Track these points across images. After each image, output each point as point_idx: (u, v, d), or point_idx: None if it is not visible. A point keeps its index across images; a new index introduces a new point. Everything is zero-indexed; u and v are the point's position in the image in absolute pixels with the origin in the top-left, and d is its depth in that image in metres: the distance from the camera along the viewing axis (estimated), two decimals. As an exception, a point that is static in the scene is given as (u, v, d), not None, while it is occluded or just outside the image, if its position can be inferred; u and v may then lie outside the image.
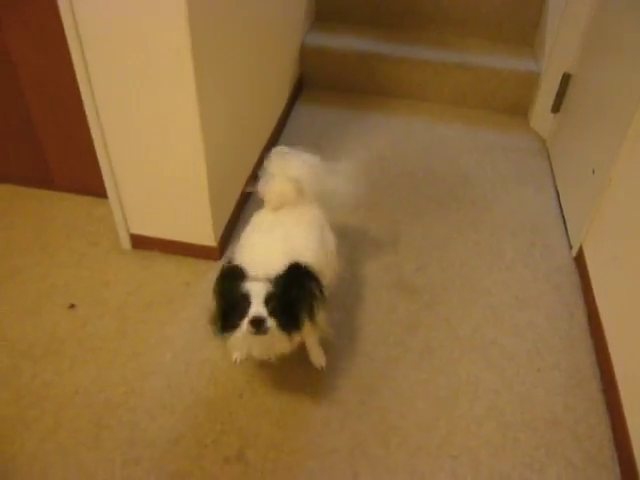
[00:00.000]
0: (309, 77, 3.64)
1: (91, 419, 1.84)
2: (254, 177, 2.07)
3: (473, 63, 3.37)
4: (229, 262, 1.66)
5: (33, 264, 2.37)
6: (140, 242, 2.42)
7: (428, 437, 1.83)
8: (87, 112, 2.03)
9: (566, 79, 2.97)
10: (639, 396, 1.77)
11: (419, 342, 2.12)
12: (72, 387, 1.93)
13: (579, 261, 2.42)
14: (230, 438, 1.80)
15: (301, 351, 1.90)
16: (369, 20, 3.72)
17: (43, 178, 2.68)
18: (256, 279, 1.56)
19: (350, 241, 2.51)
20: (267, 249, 1.75)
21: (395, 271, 2.40)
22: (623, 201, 2.09)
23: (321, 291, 1.65)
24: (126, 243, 2.43)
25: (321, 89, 3.66)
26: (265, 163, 1.97)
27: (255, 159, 2.81)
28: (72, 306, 2.20)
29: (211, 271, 2.33)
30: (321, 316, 1.73)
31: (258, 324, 1.50)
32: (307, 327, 1.69)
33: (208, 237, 2.33)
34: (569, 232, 2.60)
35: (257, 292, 1.54)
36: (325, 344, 2.01)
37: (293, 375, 1.96)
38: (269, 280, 1.56)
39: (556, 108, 3.10)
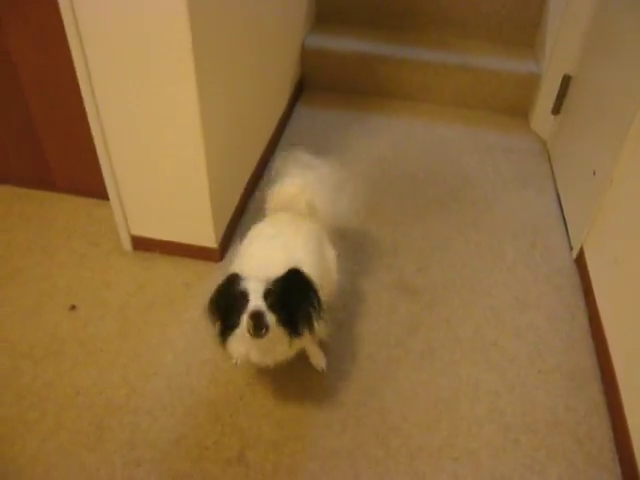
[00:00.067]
0: (310, 78, 3.64)
1: (92, 420, 1.84)
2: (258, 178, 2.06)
3: (473, 64, 3.38)
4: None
5: (34, 265, 2.37)
6: (141, 243, 2.42)
7: (429, 438, 1.83)
8: (88, 112, 2.04)
9: (566, 80, 2.97)
10: (640, 397, 1.78)
11: (420, 343, 2.12)
12: (73, 388, 1.93)
13: (580, 262, 2.42)
14: (231, 439, 1.80)
15: (301, 353, 1.90)
16: (369, 21, 3.72)
17: (44, 179, 2.69)
18: (254, 279, 1.56)
19: (351, 242, 2.52)
20: (266, 258, 1.75)
21: (396, 272, 2.40)
22: (624, 202, 2.09)
23: (319, 301, 1.63)
24: (127, 244, 2.43)
25: (322, 90, 3.66)
26: (274, 165, 1.99)
27: (256, 160, 2.81)
28: (73, 307, 2.20)
29: (212, 272, 2.34)
30: (320, 327, 1.73)
31: (257, 318, 1.48)
32: (306, 335, 1.68)
33: (209, 238, 2.33)
34: (570, 233, 2.60)
35: (255, 288, 1.53)
36: (325, 345, 2.02)
37: (294, 376, 1.96)
38: (267, 280, 1.56)
39: (556, 109, 3.10)
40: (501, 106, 3.49)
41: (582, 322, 2.22)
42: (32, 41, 2.21)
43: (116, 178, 2.22)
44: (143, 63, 1.86)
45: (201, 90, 1.91)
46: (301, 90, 3.64)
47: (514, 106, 3.47)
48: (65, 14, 1.80)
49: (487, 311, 2.25)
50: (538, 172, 3.04)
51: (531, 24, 3.51)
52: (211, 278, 2.30)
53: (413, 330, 2.17)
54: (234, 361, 1.98)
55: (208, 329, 1.70)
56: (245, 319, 1.50)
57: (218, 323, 1.63)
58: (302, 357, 1.94)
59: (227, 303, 1.58)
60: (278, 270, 1.59)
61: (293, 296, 1.58)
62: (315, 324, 1.65)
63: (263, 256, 1.77)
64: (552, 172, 3.03)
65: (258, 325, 1.49)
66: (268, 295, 1.53)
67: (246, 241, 1.91)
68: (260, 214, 2.60)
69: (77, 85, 1.97)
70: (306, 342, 1.86)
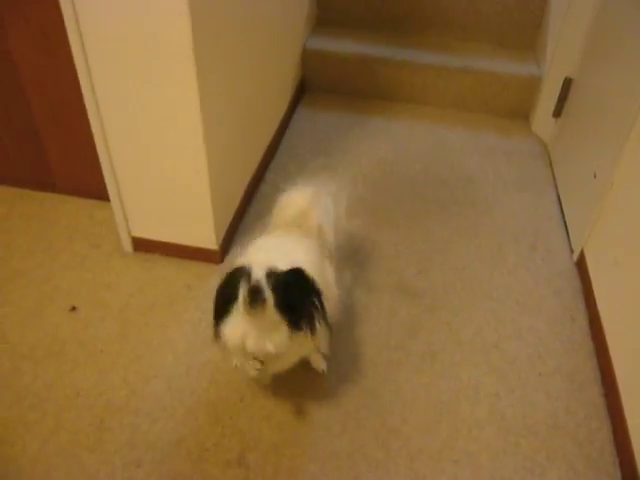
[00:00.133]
0: (311, 81, 3.65)
1: (92, 421, 1.84)
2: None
3: (475, 67, 3.38)
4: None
5: (35, 266, 2.37)
6: (142, 245, 2.42)
7: (429, 441, 1.83)
8: (89, 114, 2.04)
9: (568, 83, 2.97)
10: (640, 401, 1.78)
11: (420, 346, 2.12)
12: (73, 389, 1.93)
13: (580, 265, 2.42)
14: (231, 441, 1.80)
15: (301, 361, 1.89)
16: (370, 24, 3.72)
17: (45, 181, 2.69)
18: (259, 265, 1.55)
19: (351, 244, 2.52)
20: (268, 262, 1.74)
21: (396, 274, 2.40)
22: (625, 205, 2.09)
23: (321, 303, 1.62)
24: (128, 246, 2.43)
25: (323, 93, 3.66)
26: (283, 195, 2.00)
27: (257, 162, 2.81)
28: (73, 308, 2.20)
29: (213, 274, 2.34)
30: (322, 334, 1.72)
31: (255, 289, 1.47)
32: (307, 341, 1.66)
33: (210, 240, 2.33)
34: (570, 236, 2.60)
35: (258, 270, 1.52)
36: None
37: (294, 378, 1.95)
38: (272, 267, 1.55)
39: (557, 112, 3.10)
40: (502, 109, 3.49)
41: (582, 325, 2.22)
42: (33, 42, 2.21)
43: (117, 179, 2.22)
44: (144, 64, 1.86)
45: (202, 92, 1.91)
46: (302, 92, 3.64)
47: (515, 109, 3.47)
48: (66, 14, 1.80)
49: (488, 314, 2.25)
50: (539, 175, 3.04)
51: (532, 26, 3.51)
52: (212, 280, 2.31)
53: (413, 333, 2.17)
54: (234, 365, 1.97)
55: (209, 331, 1.69)
56: (243, 291, 1.49)
57: (217, 308, 1.62)
58: (302, 361, 1.94)
59: (230, 289, 1.57)
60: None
61: (295, 291, 1.57)
62: (317, 325, 1.62)
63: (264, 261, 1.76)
64: (553, 175, 3.03)
65: (255, 297, 1.47)
66: (270, 276, 1.52)
67: (246, 253, 1.89)
68: (261, 215, 2.63)
69: (78, 86, 1.97)
70: (307, 350, 1.84)
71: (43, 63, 2.26)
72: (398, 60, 3.44)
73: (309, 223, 1.95)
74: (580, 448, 1.83)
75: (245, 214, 2.65)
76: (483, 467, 1.77)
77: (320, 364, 1.98)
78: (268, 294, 1.49)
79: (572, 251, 2.53)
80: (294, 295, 1.56)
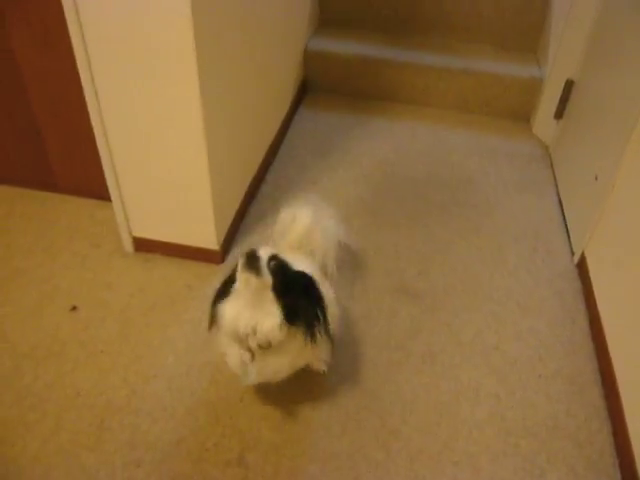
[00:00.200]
0: (313, 81, 3.65)
1: (93, 421, 1.84)
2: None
3: (476, 69, 3.38)
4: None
5: (35, 266, 2.37)
6: (142, 245, 2.42)
7: (429, 442, 1.83)
8: (90, 114, 2.04)
9: (569, 85, 2.98)
10: (641, 403, 1.78)
11: (421, 347, 2.12)
12: (74, 389, 1.93)
13: (581, 267, 2.42)
14: (231, 441, 1.80)
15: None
16: (372, 25, 3.72)
17: (46, 180, 2.69)
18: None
19: (352, 245, 2.52)
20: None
21: (397, 275, 2.40)
22: (626, 207, 2.09)
23: (324, 314, 1.62)
24: (128, 246, 2.43)
25: (324, 93, 3.66)
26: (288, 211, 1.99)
27: (258, 162, 2.81)
28: (74, 308, 2.20)
29: (214, 274, 2.34)
30: (323, 345, 1.71)
31: (253, 256, 1.47)
32: (306, 350, 1.65)
33: (210, 240, 2.33)
34: (571, 238, 2.60)
35: (265, 249, 1.53)
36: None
37: (294, 378, 1.95)
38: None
39: (559, 114, 3.10)
40: (503, 110, 3.49)
41: (583, 327, 2.22)
42: (35, 41, 2.21)
43: (118, 179, 2.22)
44: (146, 64, 1.86)
45: (204, 92, 1.91)
46: (304, 93, 3.64)
47: (516, 111, 3.47)
48: (68, 14, 1.81)
49: (488, 315, 2.25)
50: (540, 177, 3.04)
51: (534, 29, 3.51)
52: (213, 280, 2.31)
53: (414, 334, 2.17)
54: (227, 359, 1.89)
55: (210, 335, 1.70)
56: (241, 260, 1.49)
57: (217, 292, 1.62)
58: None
59: (231, 274, 1.58)
60: None
61: (298, 289, 1.57)
62: (317, 334, 1.60)
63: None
64: (554, 177, 3.03)
65: (250, 262, 1.47)
66: (273, 259, 1.52)
67: None
68: (262, 215, 2.63)
69: (80, 85, 1.97)
70: (305, 361, 1.82)
71: (45, 63, 2.26)
72: (400, 61, 3.44)
73: (310, 244, 1.95)
74: (580, 450, 1.83)
75: (246, 214, 2.65)
76: (483, 468, 1.77)
77: (321, 365, 1.98)
78: (264, 269, 1.48)
79: (573, 253, 2.53)
80: (296, 291, 1.56)
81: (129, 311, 2.20)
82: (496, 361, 2.08)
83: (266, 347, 1.57)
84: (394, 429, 1.86)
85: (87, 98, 2.00)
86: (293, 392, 1.93)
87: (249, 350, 1.60)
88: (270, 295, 1.51)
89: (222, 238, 2.38)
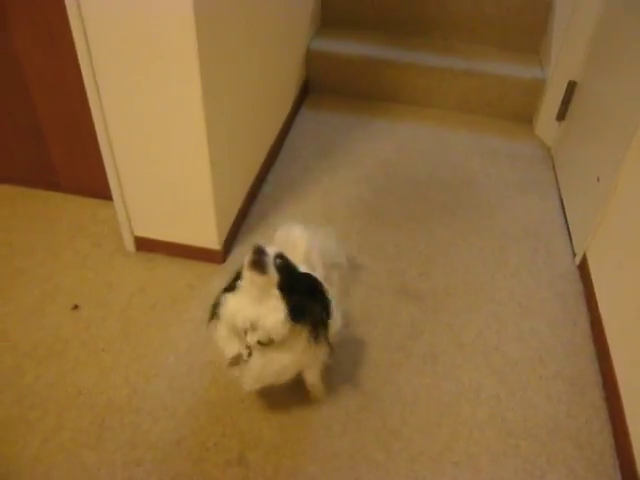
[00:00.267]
0: (315, 82, 3.65)
1: (93, 420, 1.84)
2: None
3: (479, 70, 3.38)
4: None
5: (37, 265, 2.38)
6: (144, 244, 2.43)
7: (430, 442, 1.83)
8: (93, 113, 2.04)
9: (571, 87, 2.97)
10: (641, 404, 1.77)
11: (422, 347, 2.12)
12: (75, 388, 1.93)
13: (583, 269, 2.42)
14: (231, 441, 1.80)
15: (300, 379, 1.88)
16: (375, 26, 3.73)
17: (48, 180, 2.69)
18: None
19: (354, 246, 2.52)
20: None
21: (398, 276, 2.40)
22: (628, 209, 2.09)
23: (327, 316, 1.62)
24: (130, 245, 2.43)
25: (327, 93, 3.67)
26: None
27: (260, 162, 2.82)
28: (76, 307, 2.21)
29: (215, 274, 2.34)
30: (324, 348, 1.71)
31: (259, 252, 1.47)
32: (307, 352, 1.65)
33: (212, 240, 2.33)
34: (573, 240, 2.60)
35: (271, 247, 1.52)
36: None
37: (295, 379, 1.95)
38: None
39: (561, 116, 3.10)
40: (506, 112, 3.49)
41: (584, 328, 2.22)
42: (38, 41, 2.22)
43: (120, 179, 2.22)
44: (148, 64, 1.87)
45: (206, 92, 1.91)
46: (306, 93, 3.65)
47: (519, 112, 3.47)
48: (72, 15, 1.81)
49: (489, 316, 2.25)
50: (542, 178, 3.04)
51: (537, 30, 3.51)
52: (214, 280, 2.31)
53: (415, 334, 2.17)
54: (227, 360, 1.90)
55: (209, 330, 1.69)
56: (248, 255, 1.48)
57: (224, 288, 1.61)
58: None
59: (238, 271, 1.57)
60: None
61: (304, 289, 1.57)
62: (320, 333, 1.60)
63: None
64: (556, 178, 3.03)
65: (257, 258, 1.47)
66: (279, 257, 1.52)
67: None
68: (263, 215, 2.63)
69: (82, 85, 1.98)
70: (305, 363, 1.78)
71: (47, 63, 2.27)
72: (403, 62, 3.45)
73: (309, 262, 1.93)
74: (581, 451, 1.82)
75: (248, 214, 2.65)
76: (483, 469, 1.76)
77: (319, 395, 1.93)
78: (271, 267, 1.48)
79: (574, 254, 2.53)
80: (302, 290, 1.56)
81: (130, 310, 2.20)
82: (497, 362, 2.08)
83: (267, 343, 1.56)
84: (395, 429, 1.86)
85: (89, 98, 2.00)
86: (293, 392, 1.92)
87: (247, 347, 1.59)
88: (275, 292, 1.51)
89: (223, 238, 2.38)
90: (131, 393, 1.92)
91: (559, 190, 2.93)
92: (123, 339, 2.10)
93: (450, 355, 2.10)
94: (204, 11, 1.78)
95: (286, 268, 1.54)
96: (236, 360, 1.63)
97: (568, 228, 2.68)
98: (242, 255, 1.95)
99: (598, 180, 2.36)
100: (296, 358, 1.66)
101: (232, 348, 1.62)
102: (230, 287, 1.59)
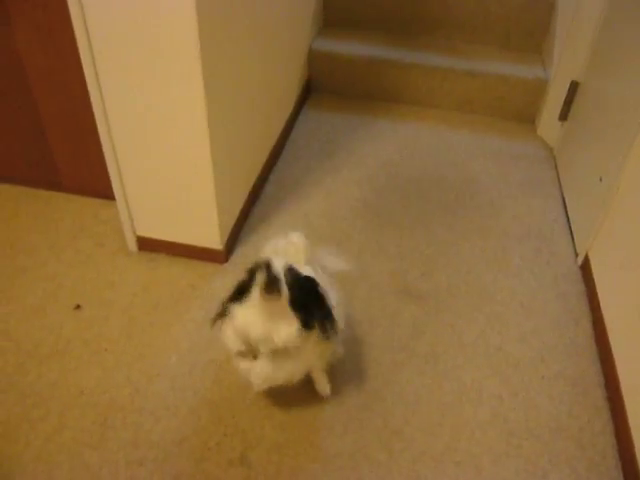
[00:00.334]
0: (317, 82, 3.65)
1: (96, 419, 1.84)
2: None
3: (481, 70, 3.38)
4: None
5: (40, 264, 2.38)
6: (146, 244, 2.43)
7: (431, 442, 1.83)
8: (95, 113, 2.05)
9: (574, 87, 2.97)
10: (644, 405, 1.77)
11: (424, 347, 2.12)
12: (77, 387, 1.93)
13: (585, 269, 2.42)
14: (233, 441, 1.80)
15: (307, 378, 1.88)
16: (377, 26, 3.73)
17: (51, 179, 2.70)
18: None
19: (356, 246, 2.52)
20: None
21: (400, 276, 2.40)
22: (631, 209, 2.08)
23: (331, 315, 1.61)
24: (132, 245, 2.44)
25: (329, 93, 3.67)
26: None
27: (262, 162, 2.82)
28: (78, 307, 2.21)
29: (217, 274, 2.34)
30: (330, 347, 1.71)
31: (273, 281, 1.45)
32: (315, 352, 1.66)
33: (214, 240, 2.34)
34: (575, 240, 2.60)
35: (278, 260, 1.51)
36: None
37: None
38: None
39: (564, 116, 3.10)
40: (508, 112, 3.49)
41: (586, 328, 2.22)
42: (40, 41, 2.22)
43: (122, 179, 2.23)
44: (151, 64, 1.87)
45: (208, 92, 1.92)
46: (308, 93, 3.65)
47: (521, 112, 3.47)
48: (74, 14, 1.81)
49: (491, 316, 2.25)
50: (544, 178, 3.04)
51: (539, 30, 3.51)
52: (216, 279, 2.31)
53: (417, 334, 2.17)
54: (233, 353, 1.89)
55: (213, 331, 1.69)
56: (260, 278, 1.47)
57: (232, 293, 1.60)
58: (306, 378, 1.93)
59: (247, 277, 1.57)
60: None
61: (310, 295, 1.57)
62: (329, 331, 1.60)
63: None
64: (558, 178, 3.03)
65: (271, 287, 1.46)
66: (288, 272, 1.51)
67: None
68: (265, 215, 2.63)
69: (85, 85, 1.98)
70: (314, 362, 1.81)
71: (50, 63, 2.27)
72: (405, 62, 3.45)
73: (310, 263, 1.93)
74: (583, 451, 1.82)
75: (250, 214, 2.65)
76: (485, 469, 1.76)
77: (324, 388, 1.94)
78: (284, 289, 1.48)
79: (577, 254, 2.53)
80: (311, 299, 1.56)
81: (133, 310, 2.20)
82: (499, 362, 2.08)
83: (280, 350, 1.57)
84: (397, 429, 1.86)
85: (92, 97, 2.01)
86: (296, 392, 1.92)
87: (252, 353, 1.60)
88: (286, 306, 1.51)
89: (226, 238, 2.38)
90: (133, 392, 1.93)
91: (561, 190, 2.93)
92: (125, 339, 2.10)
93: (452, 355, 2.10)
94: (206, 10, 1.78)
95: (297, 283, 1.52)
96: (244, 353, 1.64)
97: (570, 228, 2.68)
98: (244, 255, 1.95)
99: (601, 180, 2.36)
100: (306, 359, 1.67)
101: (239, 345, 1.63)
102: (236, 297, 1.58)
